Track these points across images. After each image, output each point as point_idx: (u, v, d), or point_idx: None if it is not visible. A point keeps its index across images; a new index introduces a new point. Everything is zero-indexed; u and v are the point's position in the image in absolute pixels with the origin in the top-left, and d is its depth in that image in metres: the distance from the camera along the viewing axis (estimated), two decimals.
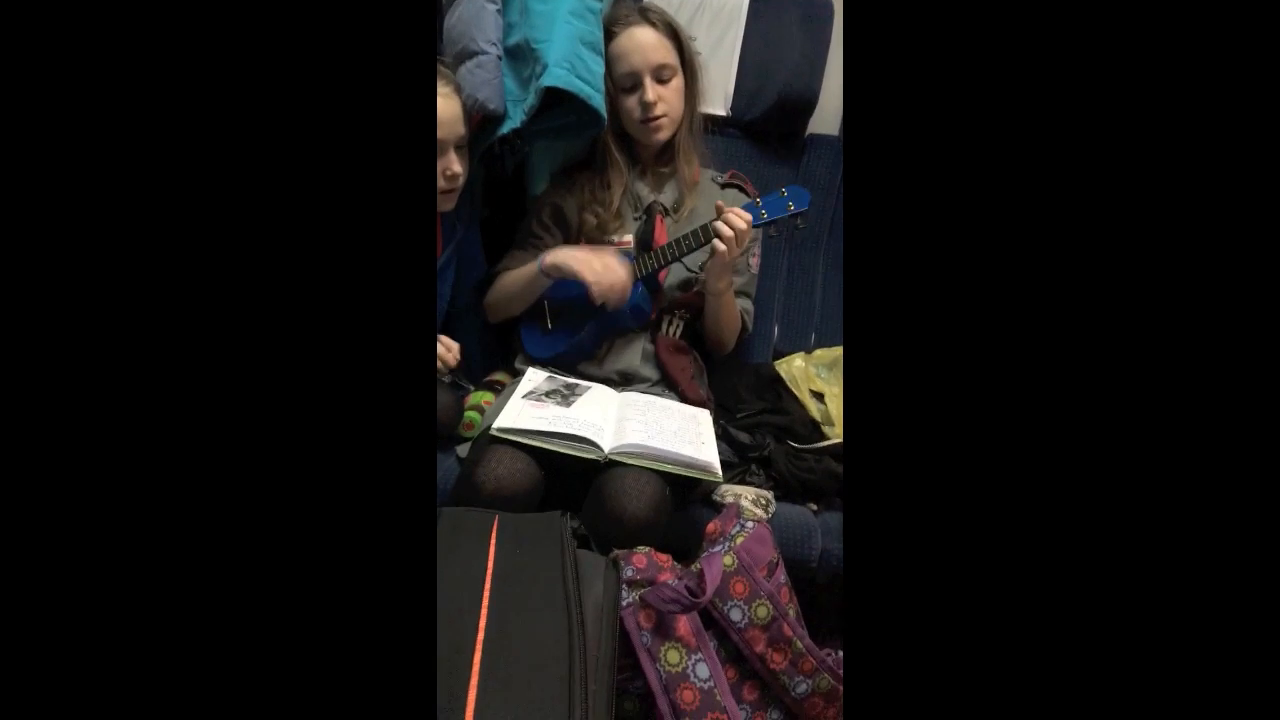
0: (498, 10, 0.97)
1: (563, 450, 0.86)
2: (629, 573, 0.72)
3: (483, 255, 1.13)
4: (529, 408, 0.92)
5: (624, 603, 0.70)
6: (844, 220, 1.26)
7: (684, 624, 0.71)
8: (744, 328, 1.14)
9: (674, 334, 1.11)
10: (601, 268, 0.98)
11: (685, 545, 0.83)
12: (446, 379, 1.02)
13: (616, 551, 0.74)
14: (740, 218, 0.95)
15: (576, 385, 1.01)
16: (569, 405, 0.94)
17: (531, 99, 0.96)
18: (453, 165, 0.95)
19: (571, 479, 0.88)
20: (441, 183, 0.95)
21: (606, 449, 0.86)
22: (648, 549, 0.76)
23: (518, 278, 1.06)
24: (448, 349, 0.96)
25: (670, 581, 0.70)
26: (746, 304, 1.14)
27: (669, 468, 0.87)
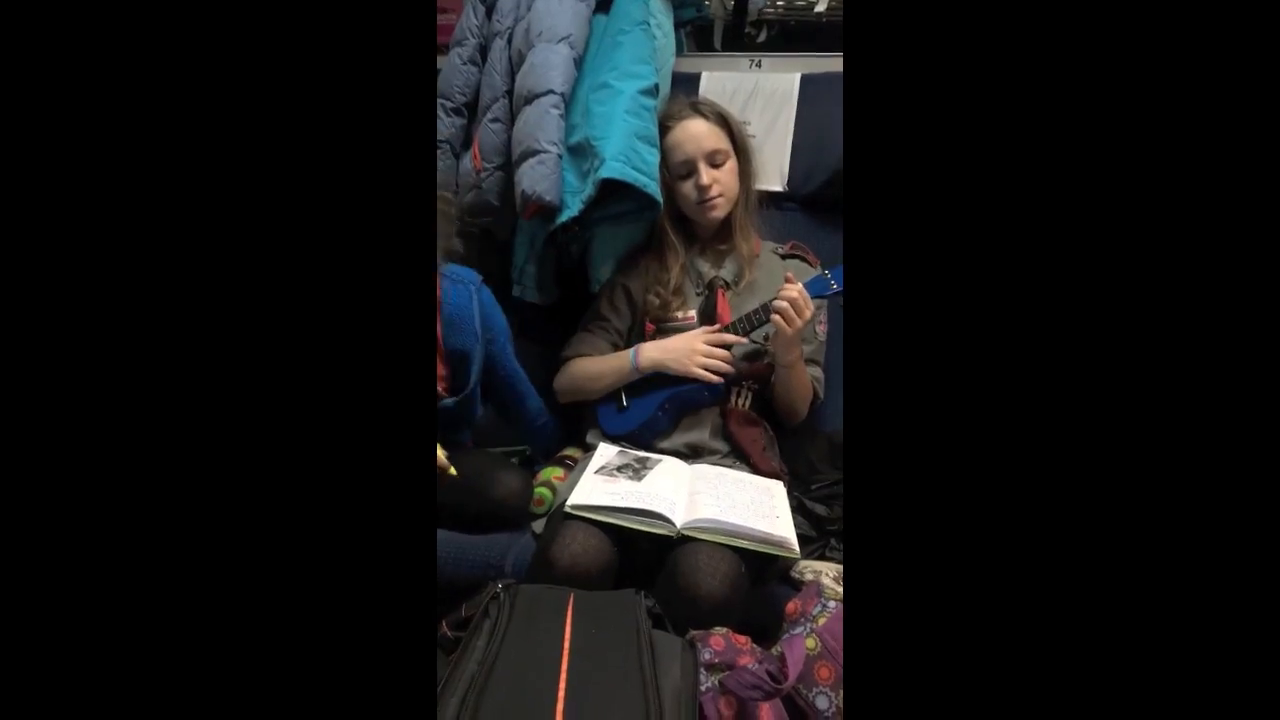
0: (561, 115, 1.05)
1: (635, 526, 0.86)
2: (707, 655, 0.70)
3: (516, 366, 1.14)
4: (601, 483, 0.92)
5: (703, 687, 0.68)
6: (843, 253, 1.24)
7: (767, 712, 0.67)
8: (815, 396, 1.12)
9: (744, 405, 1.10)
10: (687, 349, 1.02)
11: (764, 625, 0.80)
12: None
13: (693, 632, 0.72)
14: (792, 290, 0.97)
15: (647, 459, 1.01)
16: (640, 480, 0.94)
17: (589, 190, 1.03)
18: None
19: (645, 555, 0.87)
20: None
21: (679, 524, 0.86)
22: (725, 630, 0.74)
23: (600, 369, 1.09)
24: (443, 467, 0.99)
25: (750, 666, 0.67)
26: (817, 371, 1.13)
27: (743, 543, 0.85)
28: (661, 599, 0.81)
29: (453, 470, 0.99)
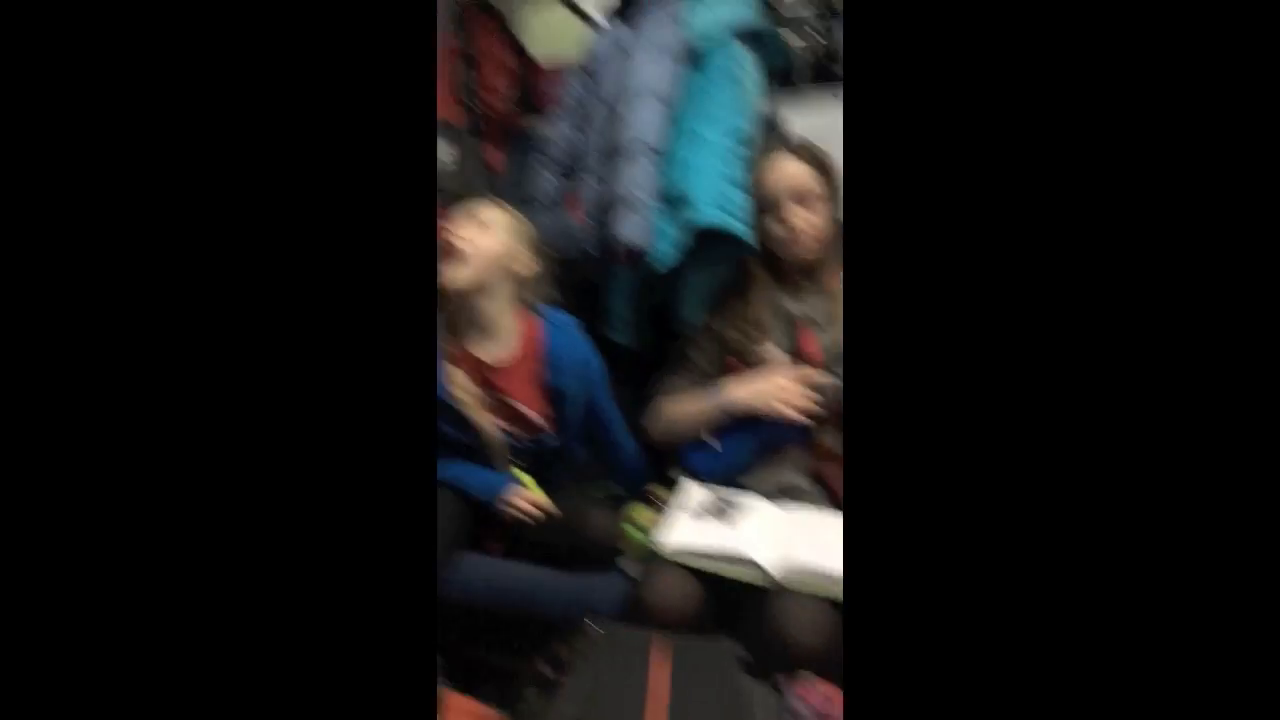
0: (654, 167, 1.10)
1: (726, 573, 0.86)
2: (800, 708, 0.69)
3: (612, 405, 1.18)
4: (691, 525, 0.93)
5: None
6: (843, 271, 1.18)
7: None
8: None
9: (834, 444, 1.08)
10: (774, 388, 1.02)
11: None
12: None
13: (786, 682, 0.71)
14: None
15: (736, 500, 1.01)
16: (730, 522, 0.95)
17: (683, 236, 1.06)
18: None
19: (737, 599, 0.87)
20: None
21: (772, 571, 0.85)
22: (820, 681, 0.72)
23: (687, 409, 1.10)
24: (536, 505, 1.03)
25: None
26: None
27: (839, 593, 0.83)
28: (755, 649, 0.80)
29: (552, 508, 1.03)
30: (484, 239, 1.05)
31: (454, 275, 1.04)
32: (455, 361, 1.08)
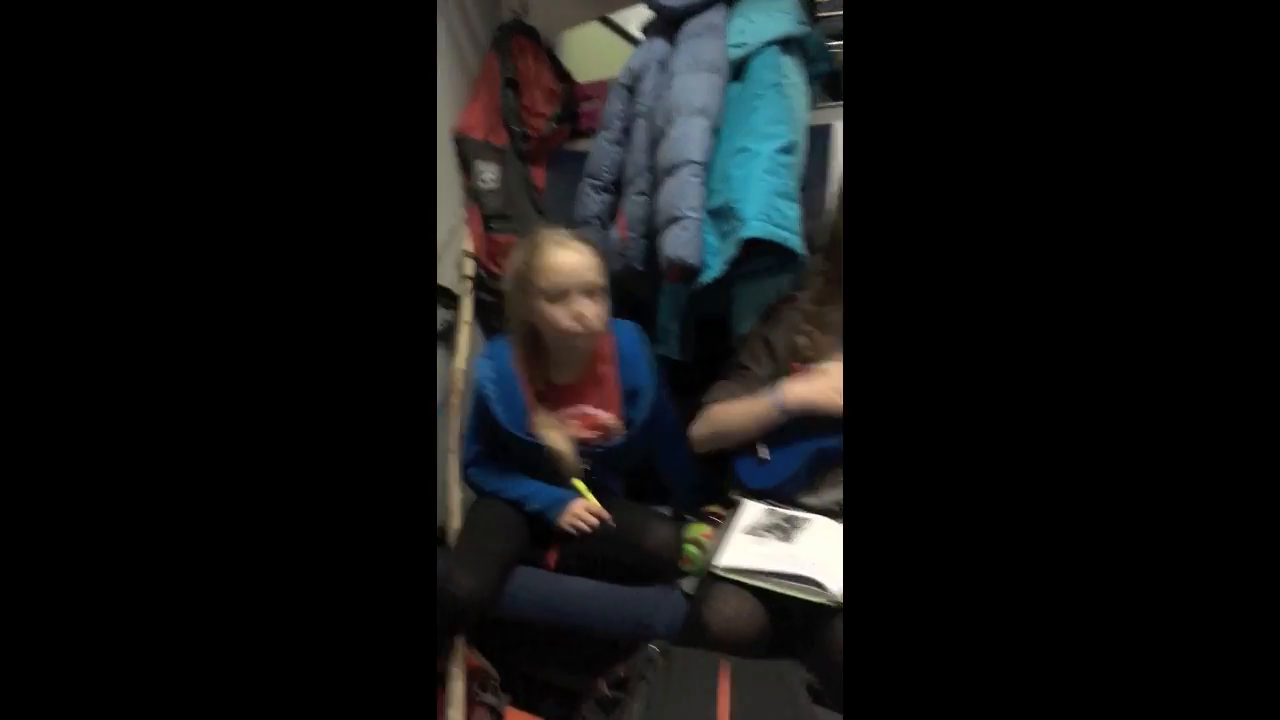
0: (701, 182, 1.09)
1: (788, 593, 0.85)
2: None
3: (673, 407, 1.18)
4: (750, 544, 0.92)
5: None
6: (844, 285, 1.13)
7: None
8: None
9: None
10: (840, 386, 0.99)
11: None
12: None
13: None
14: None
15: (796, 518, 0.99)
16: (791, 541, 0.93)
17: (731, 250, 1.05)
18: (581, 308, 1.03)
19: (800, 620, 0.85)
20: (571, 324, 1.03)
21: (835, 591, 0.83)
22: None
23: (741, 412, 1.07)
24: (594, 514, 1.03)
25: None
26: None
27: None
28: (819, 672, 0.78)
29: (609, 518, 1.03)
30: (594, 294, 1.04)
31: (591, 324, 1.03)
32: (533, 388, 1.09)
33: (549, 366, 1.10)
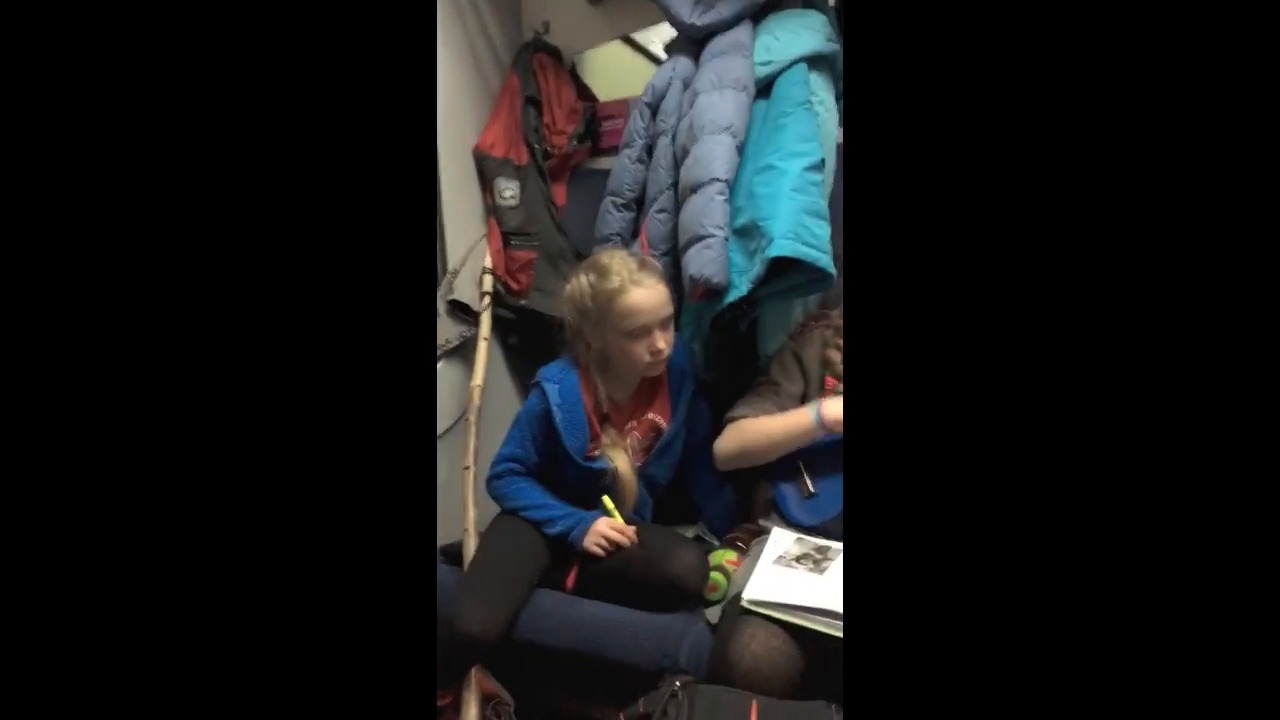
0: (726, 200, 1.07)
1: (819, 628, 0.81)
2: None
3: (708, 414, 1.17)
4: (779, 575, 0.88)
5: None
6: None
7: None
8: None
9: None
10: None
11: None
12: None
13: None
14: None
15: (828, 548, 0.95)
16: (823, 572, 0.89)
17: (758, 269, 1.03)
18: (658, 342, 1.03)
19: (834, 658, 0.81)
20: (651, 359, 1.04)
21: None
22: None
23: (774, 428, 1.03)
24: (620, 532, 1.02)
25: None
26: None
27: None
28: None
29: (635, 536, 1.00)
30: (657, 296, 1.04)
31: (666, 354, 1.04)
32: (598, 412, 1.09)
33: (612, 385, 1.10)
